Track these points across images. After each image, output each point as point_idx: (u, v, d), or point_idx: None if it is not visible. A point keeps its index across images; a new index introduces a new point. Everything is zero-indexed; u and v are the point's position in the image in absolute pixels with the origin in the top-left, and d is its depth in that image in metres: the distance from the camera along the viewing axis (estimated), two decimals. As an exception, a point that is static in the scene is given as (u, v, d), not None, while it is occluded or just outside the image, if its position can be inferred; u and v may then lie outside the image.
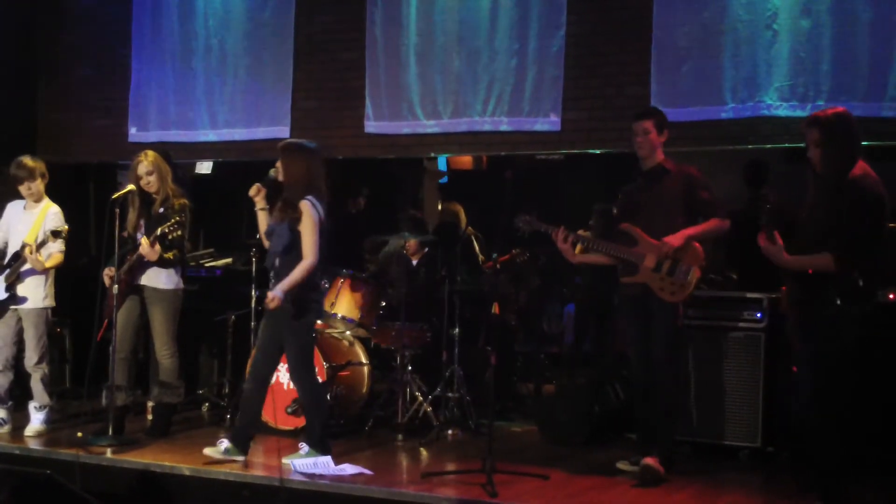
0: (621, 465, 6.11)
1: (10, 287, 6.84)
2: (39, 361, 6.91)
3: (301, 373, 6.07)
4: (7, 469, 5.30)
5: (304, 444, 5.99)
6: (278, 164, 6.03)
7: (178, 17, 8.61)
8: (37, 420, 6.85)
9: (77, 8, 9.08)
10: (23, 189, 6.96)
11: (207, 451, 6.00)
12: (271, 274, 6.06)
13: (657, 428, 5.99)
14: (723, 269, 7.58)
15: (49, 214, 6.93)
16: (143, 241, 6.51)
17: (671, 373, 5.94)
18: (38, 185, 6.97)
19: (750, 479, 6.11)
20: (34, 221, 6.89)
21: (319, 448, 5.98)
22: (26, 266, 6.81)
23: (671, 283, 5.87)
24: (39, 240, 6.80)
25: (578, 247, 6.12)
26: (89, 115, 8.98)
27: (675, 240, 5.84)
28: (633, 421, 6.32)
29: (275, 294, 5.87)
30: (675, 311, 5.90)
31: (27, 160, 6.99)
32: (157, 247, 6.52)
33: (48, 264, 6.80)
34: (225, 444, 5.99)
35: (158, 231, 6.49)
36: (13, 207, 7.09)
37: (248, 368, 6.37)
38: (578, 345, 8.81)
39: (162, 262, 6.64)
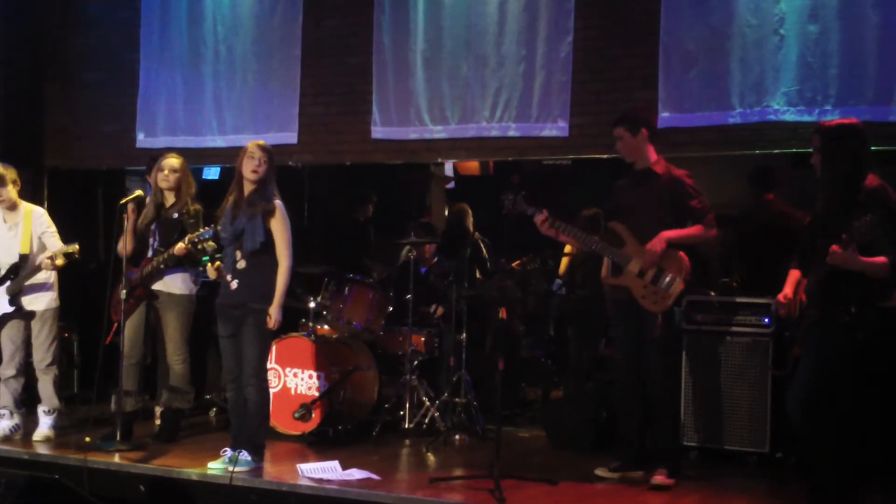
0: (599, 472, 6.01)
1: (14, 299, 6.80)
2: (51, 363, 6.90)
3: (264, 374, 6.08)
4: (16, 473, 5.31)
5: (244, 451, 5.91)
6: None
7: (186, 23, 8.61)
8: (45, 425, 6.85)
9: (86, 13, 9.09)
10: None
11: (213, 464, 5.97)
12: (230, 276, 5.97)
13: (641, 439, 5.99)
14: (728, 275, 7.56)
15: (35, 218, 6.84)
16: (180, 244, 6.44)
17: (666, 383, 5.89)
18: (10, 191, 6.82)
19: (758, 485, 6.10)
20: (22, 229, 6.81)
21: (260, 455, 6.00)
22: (32, 279, 6.76)
23: (653, 291, 5.78)
24: (35, 245, 6.74)
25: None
26: (97, 120, 8.98)
27: (656, 245, 5.76)
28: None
29: (276, 318, 5.89)
30: (667, 317, 5.81)
31: None
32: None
33: (59, 263, 6.72)
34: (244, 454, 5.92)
35: (196, 238, 6.46)
36: None
37: (224, 378, 6.29)
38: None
39: (189, 258, 6.61)
